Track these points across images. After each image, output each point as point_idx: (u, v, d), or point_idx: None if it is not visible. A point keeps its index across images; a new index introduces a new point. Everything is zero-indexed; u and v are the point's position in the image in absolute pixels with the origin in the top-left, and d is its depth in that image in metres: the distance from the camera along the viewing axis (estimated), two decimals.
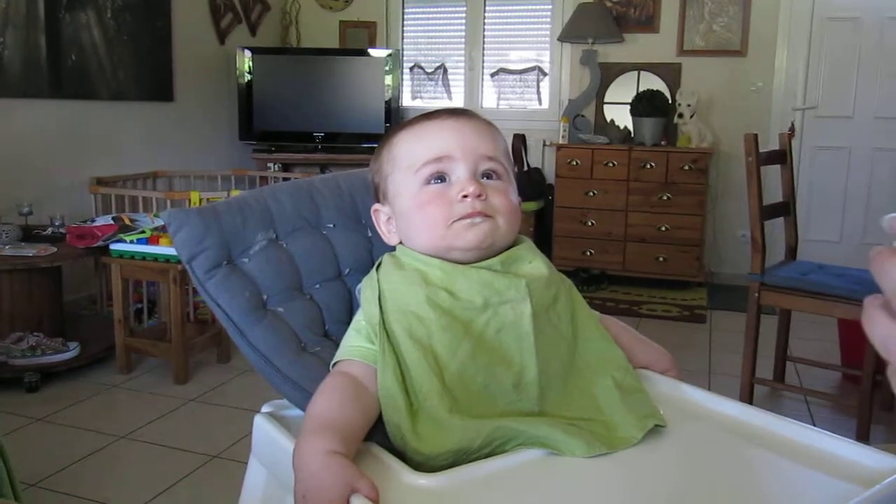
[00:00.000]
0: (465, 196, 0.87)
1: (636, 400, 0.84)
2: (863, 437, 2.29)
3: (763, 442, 0.82)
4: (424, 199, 0.89)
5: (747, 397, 2.51)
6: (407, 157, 0.92)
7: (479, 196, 0.87)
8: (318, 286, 0.99)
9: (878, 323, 0.46)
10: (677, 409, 0.88)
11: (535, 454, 0.77)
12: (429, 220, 0.88)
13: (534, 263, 0.90)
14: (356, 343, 0.85)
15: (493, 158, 0.91)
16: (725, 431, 0.84)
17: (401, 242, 0.94)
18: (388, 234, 0.96)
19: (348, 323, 0.92)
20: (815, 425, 0.78)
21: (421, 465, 0.75)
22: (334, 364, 0.86)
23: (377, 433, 0.80)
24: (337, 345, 0.90)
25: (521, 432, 0.77)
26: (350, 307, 1.01)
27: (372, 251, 1.05)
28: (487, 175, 0.91)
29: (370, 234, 1.05)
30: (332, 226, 1.03)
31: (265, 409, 0.95)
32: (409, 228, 0.92)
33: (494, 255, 0.89)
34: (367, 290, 0.88)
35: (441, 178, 0.89)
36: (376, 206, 0.97)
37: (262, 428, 0.90)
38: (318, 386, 0.82)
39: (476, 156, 0.90)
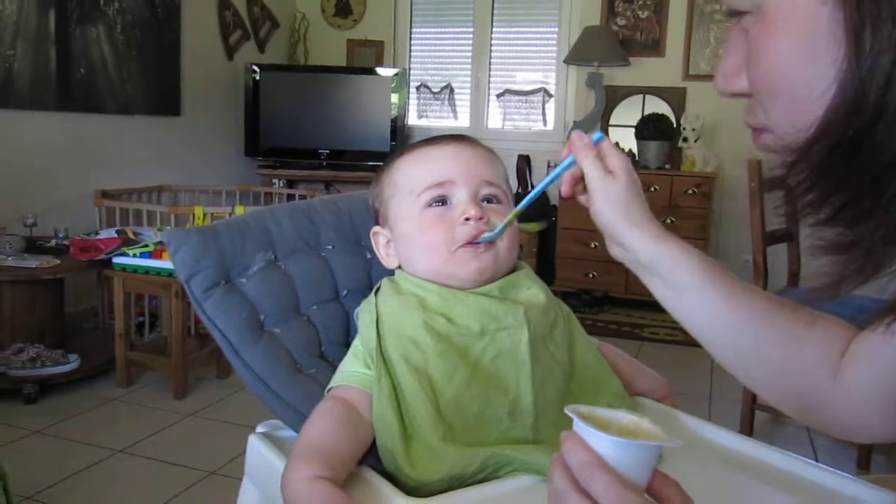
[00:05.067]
0: (467, 219, 0.87)
1: None
2: (863, 465, 2.28)
3: (759, 474, 0.81)
4: (426, 223, 0.89)
5: (748, 423, 2.49)
6: (408, 181, 0.92)
7: (482, 219, 0.88)
8: (315, 307, 0.99)
9: None
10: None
11: (528, 480, 0.76)
12: (431, 244, 0.88)
13: (532, 290, 0.90)
14: (353, 368, 0.85)
15: (493, 184, 0.92)
16: (721, 462, 0.84)
17: (399, 266, 0.94)
18: (387, 257, 0.96)
19: (345, 344, 0.92)
20: (815, 453, 0.78)
21: (414, 490, 0.75)
22: (329, 389, 0.86)
23: (369, 456, 0.79)
24: (333, 366, 0.90)
25: (515, 459, 0.77)
26: (347, 329, 1.00)
27: (370, 273, 1.05)
28: (488, 199, 0.91)
29: (369, 256, 1.05)
30: (331, 247, 1.03)
31: (260, 428, 0.94)
32: (409, 252, 0.92)
33: (493, 281, 0.89)
34: (364, 315, 0.87)
35: (442, 201, 0.90)
36: (376, 228, 0.97)
37: (256, 448, 0.89)
38: (313, 408, 0.82)
39: (477, 181, 0.90)
